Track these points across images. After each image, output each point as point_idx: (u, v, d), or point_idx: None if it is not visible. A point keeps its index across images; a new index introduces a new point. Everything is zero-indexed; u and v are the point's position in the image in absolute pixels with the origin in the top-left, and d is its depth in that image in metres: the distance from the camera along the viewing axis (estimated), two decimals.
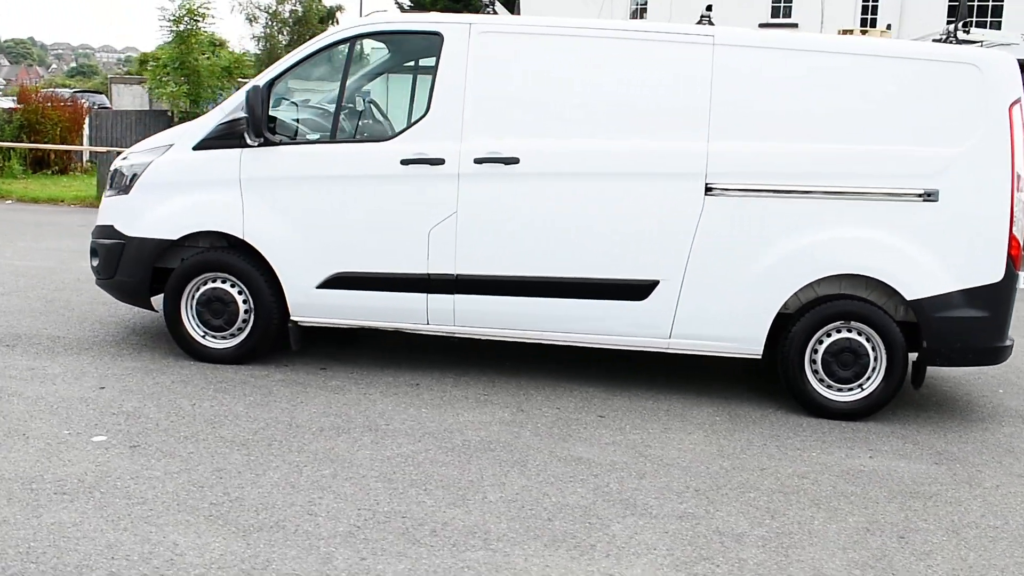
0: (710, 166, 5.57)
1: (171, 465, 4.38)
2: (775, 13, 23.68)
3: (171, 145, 6.09)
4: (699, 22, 6.01)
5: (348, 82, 5.92)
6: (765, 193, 5.57)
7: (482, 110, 5.73)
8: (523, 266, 5.75)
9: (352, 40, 5.90)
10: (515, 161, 5.66)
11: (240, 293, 6.01)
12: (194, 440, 4.72)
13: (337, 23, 41.74)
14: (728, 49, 5.64)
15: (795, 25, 22.81)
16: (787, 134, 5.58)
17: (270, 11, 44.69)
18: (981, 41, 5.62)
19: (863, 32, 5.84)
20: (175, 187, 6.04)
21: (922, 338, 5.58)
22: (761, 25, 23.61)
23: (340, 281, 5.90)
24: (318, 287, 5.92)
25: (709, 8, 6.36)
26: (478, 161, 5.68)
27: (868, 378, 5.64)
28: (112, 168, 6.43)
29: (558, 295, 5.75)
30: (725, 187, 5.57)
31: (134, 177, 6.11)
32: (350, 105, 6.02)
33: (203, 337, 6.09)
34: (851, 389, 5.66)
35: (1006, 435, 5.59)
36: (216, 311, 6.04)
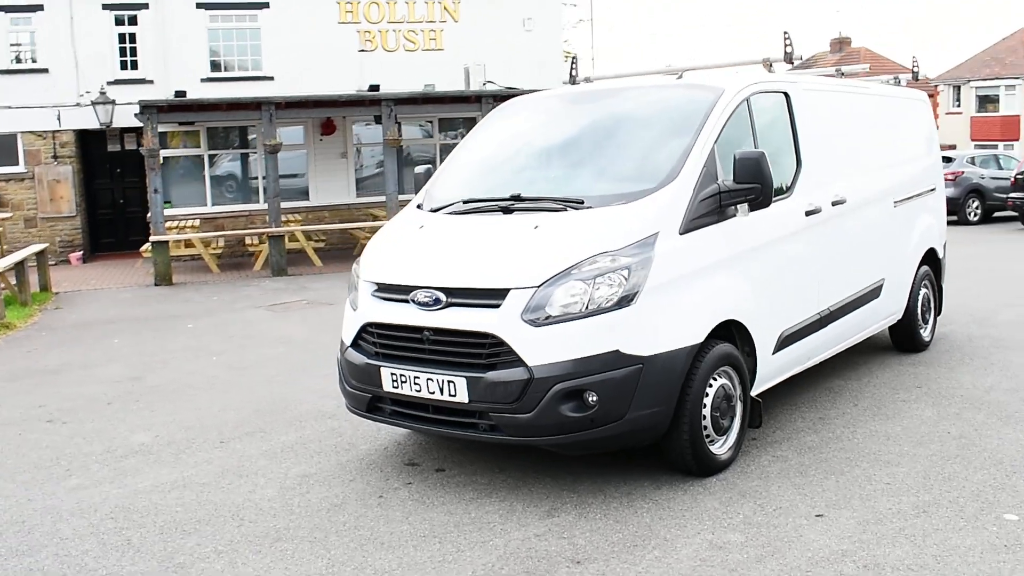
0: (893, 186, 7.44)
1: None
2: (124, 66, 21.07)
3: (656, 234, 5.00)
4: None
5: (758, 141, 5.79)
6: (906, 200, 7.72)
7: (823, 158, 6.42)
8: (843, 291, 6.69)
9: (749, 99, 5.79)
10: (844, 201, 6.56)
11: (729, 381, 5.42)
12: None
13: None
14: (886, 99, 7.60)
15: (46, 70, 20.65)
16: (899, 159, 7.79)
17: None
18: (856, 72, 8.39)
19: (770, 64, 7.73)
20: (677, 283, 5.05)
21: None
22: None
23: (784, 340, 5.91)
24: (773, 353, 5.79)
25: None
26: (834, 204, 6.41)
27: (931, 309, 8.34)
28: (560, 282, 4.79)
29: (852, 310, 6.86)
30: (897, 199, 7.53)
31: (633, 284, 4.84)
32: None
33: (711, 445, 5.28)
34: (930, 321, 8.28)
35: None
36: (723, 411, 5.32)
